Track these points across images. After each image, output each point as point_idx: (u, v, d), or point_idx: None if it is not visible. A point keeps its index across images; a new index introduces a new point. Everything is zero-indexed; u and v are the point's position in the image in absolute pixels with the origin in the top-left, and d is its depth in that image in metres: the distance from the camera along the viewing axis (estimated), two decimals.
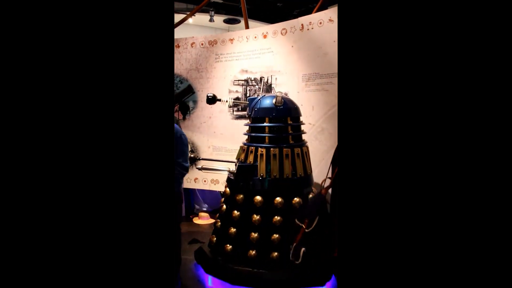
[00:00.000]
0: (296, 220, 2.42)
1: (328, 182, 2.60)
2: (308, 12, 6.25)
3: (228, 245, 2.61)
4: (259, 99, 2.67)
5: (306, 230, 2.30)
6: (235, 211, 2.60)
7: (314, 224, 2.30)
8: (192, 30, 8.37)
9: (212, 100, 2.72)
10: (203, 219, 4.23)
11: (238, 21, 10.24)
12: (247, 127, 2.76)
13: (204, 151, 3.79)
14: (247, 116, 2.76)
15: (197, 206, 4.50)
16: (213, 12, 8.42)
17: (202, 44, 3.85)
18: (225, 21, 10.25)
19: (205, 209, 4.51)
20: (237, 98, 3.57)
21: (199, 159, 3.30)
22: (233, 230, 2.61)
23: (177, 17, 10.22)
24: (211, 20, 8.63)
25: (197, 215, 4.36)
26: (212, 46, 3.78)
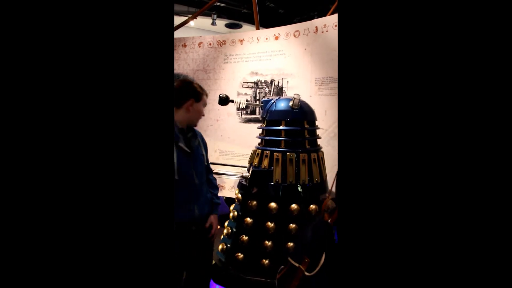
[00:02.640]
0: (289, 259, 1.78)
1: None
2: (309, 20, 6.20)
3: (240, 253, 2.49)
4: (275, 101, 2.57)
5: (307, 274, 1.65)
6: (248, 218, 2.48)
7: (319, 266, 1.57)
8: (193, 33, 8.29)
9: (224, 100, 2.61)
10: None
11: (240, 26, 10.21)
12: (260, 130, 2.65)
13: (211, 155, 3.66)
14: (260, 118, 2.65)
15: None
16: (215, 16, 8.37)
17: (210, 44, 3.74)
18: (227, 26, 10.22)
19: None
20: (247, 100, 3.46)
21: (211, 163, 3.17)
22: (245, 238, 2.49)
23: (178, 20, 10.16)
24: (213, 23, 8.58)
25: None
26: (221, 46, 3.68)
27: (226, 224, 2.80)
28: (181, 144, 1.80)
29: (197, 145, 1.90)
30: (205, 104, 2.10)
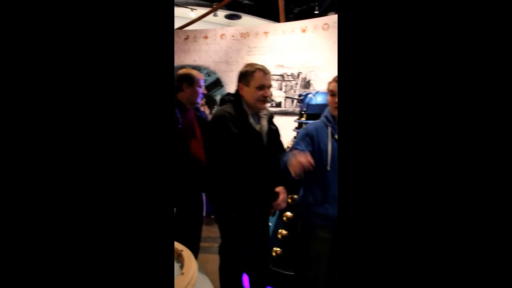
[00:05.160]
0: None
1: None
2: (310, 11, 6.08)
3: (278, 248, 2.47)
4: (314, 95, 2.55)
5: None
6: (288, 212, 2.45)
7: None
8: (193, 24, 8.14)
9: None
10: None
11: (239, 17, 10.09)
12: (297, 124, 2.62)
13: None
14: (300, 112, 2.62)
15: None
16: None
17: (233, 36, 3.67)
18: (226, 17, 10.08)
19: None
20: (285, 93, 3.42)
21: None
22: (284, 232, 2.47)
23: (179, 11, 9.93)
24: (214, 14, 8.45)
25: None
26: (245, 38, 3.62)
27: None
28: (334, 131, 1.67)
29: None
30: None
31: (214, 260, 3.25)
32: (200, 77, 2.16)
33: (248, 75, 1.75)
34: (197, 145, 2.18)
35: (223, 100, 1.87)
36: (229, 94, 1.88)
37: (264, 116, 1.83)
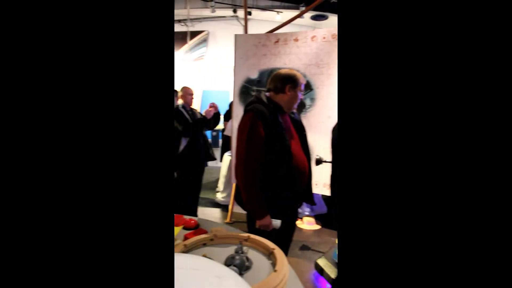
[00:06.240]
0: None
1: None
2: None
3: None
4: None
5: None
6: None
7: None
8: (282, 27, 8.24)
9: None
10: (308, 224, 4.00)
11: (326, 17, 9.94)
12: None
13: (319, 153, 3.55)
14: None
15: (299, 210, 4.30)
16: (303, 9, 8.26)
17: (324, 37, 3.60)
18: (312, 18, 10.03)
19: (307, 213, 4.28)
20: None
21: (325, 161, 3.07)
22: None
23: (264, 14, 10.09)
24: (301, 16, 8.47)
25: (300, 218, 4.15)
26: (336, 40, 3.52)
27: None
28: None
29: None
30: None
31: (294, 262, 3.24)
32: (303, 81, 2.08)
33: None
34: (299, 151, 2.09)
35: None
36: None
37: None
